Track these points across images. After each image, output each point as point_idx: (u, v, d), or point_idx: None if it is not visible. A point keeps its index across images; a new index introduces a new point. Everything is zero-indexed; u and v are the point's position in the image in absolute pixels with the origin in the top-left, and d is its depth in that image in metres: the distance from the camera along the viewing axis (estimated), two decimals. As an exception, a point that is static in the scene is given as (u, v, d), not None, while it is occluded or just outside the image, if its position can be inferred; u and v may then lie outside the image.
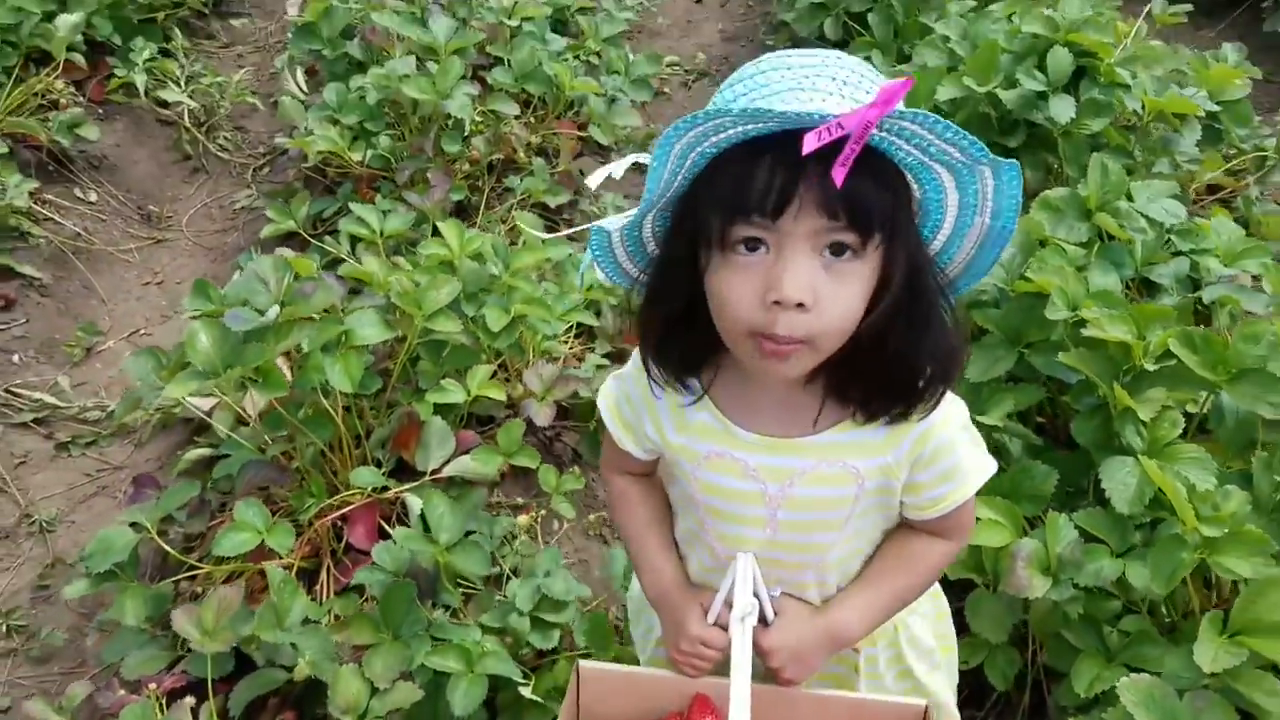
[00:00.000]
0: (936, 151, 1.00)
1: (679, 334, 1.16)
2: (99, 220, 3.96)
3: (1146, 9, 3.47)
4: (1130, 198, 2.36)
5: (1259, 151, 3.17)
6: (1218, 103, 2.94)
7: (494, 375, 2.49)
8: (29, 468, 3.11)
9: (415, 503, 2.34)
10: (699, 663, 1.30)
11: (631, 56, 3.91)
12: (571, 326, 2.71)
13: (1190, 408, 1.99)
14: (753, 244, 1.02)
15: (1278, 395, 1.88)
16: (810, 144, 0.90)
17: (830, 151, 0.91)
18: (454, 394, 2.38)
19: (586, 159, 3.57)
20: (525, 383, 2.48)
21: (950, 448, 1.21)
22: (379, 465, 2.45)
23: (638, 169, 1.15)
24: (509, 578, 2.27)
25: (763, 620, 1.26)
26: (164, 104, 4.35)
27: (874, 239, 1.02)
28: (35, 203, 3.74)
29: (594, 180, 1.21)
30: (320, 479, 2.40)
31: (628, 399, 1.30)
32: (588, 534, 2.53)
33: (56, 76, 4.08)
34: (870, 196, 0.98)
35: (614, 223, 1.12)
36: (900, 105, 0.91)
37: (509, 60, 3.47)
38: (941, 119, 0.95)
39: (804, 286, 1.00)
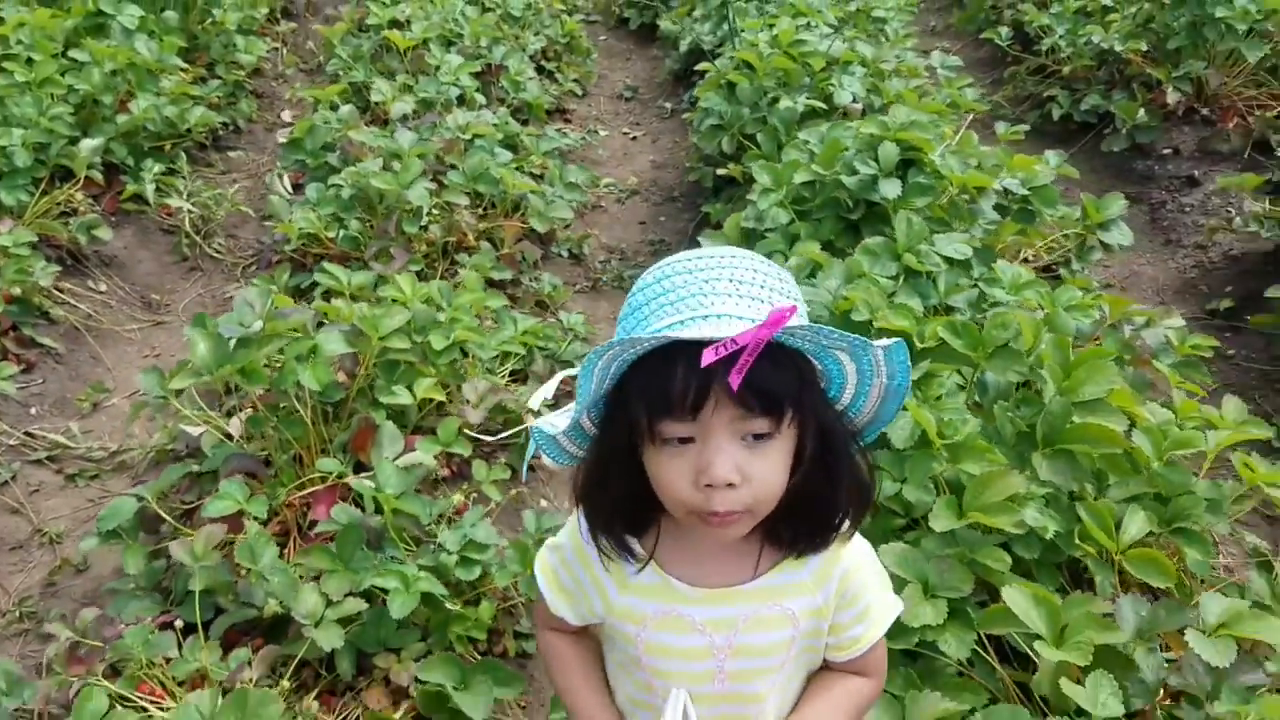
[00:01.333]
0: (828, 343, 1.13)
1: (624, 507, 1.22)
2: (107, 306, 4.54)
3: (994, 128, 4.23)
4: (931, 243, 2.99)
5: (1076, 232, 3.86)
6: (1029, 188, 3.63)
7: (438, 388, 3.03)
8: (41, 495, 3.60)
9: (368, 485, 2.85)
10: None
11: (567, 167, 4.62)
12: (508, 367, 3.28)
13: (958, 379, 2.57)
14: (681, 439, 1.11)
15: (1021, 365, 2.48)
16: (708, 358, 1.01)
17: (735, 354, 1.02)
18: (403, 397, 2.92)
19: (526, 244, 4.23)
20: (463, 393, 3.03)
21: (865, 588, 1.30)
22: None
23: (569, 381, 1.26)
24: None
25: None
26: (169, 212, 5.00)
27: (785, 419, 1.11)
28: (54, 289, 4.32)
29: (534, 400, 1.30)
30: (291, 471, 2.92)
31: (565, 565, 1.34)
32: (511, 509, 3.04)
33: (77, 189, 4.73)
34: (776, 387, 1.08)
35: (554, 424, 1.19)
36: (798, 318, 1.09)
37: (462, 166, 4.15)
38: (825, 328, 1.10)
39: (731, 469, 1.09)
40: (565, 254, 4.77)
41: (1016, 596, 1.96)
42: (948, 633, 2.05)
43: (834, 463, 1.17)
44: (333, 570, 2.49)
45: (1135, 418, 2.38)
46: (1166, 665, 1.97)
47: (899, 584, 2.06)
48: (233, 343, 2.77)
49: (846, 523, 1.22)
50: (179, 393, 2.94)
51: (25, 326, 4.09)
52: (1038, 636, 1.95)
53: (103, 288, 4.63)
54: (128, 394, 4.14)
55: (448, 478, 3.16)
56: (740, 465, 1.10)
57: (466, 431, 2.91)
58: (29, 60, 4.88)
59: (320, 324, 3.11)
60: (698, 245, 5.02)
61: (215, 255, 4.99)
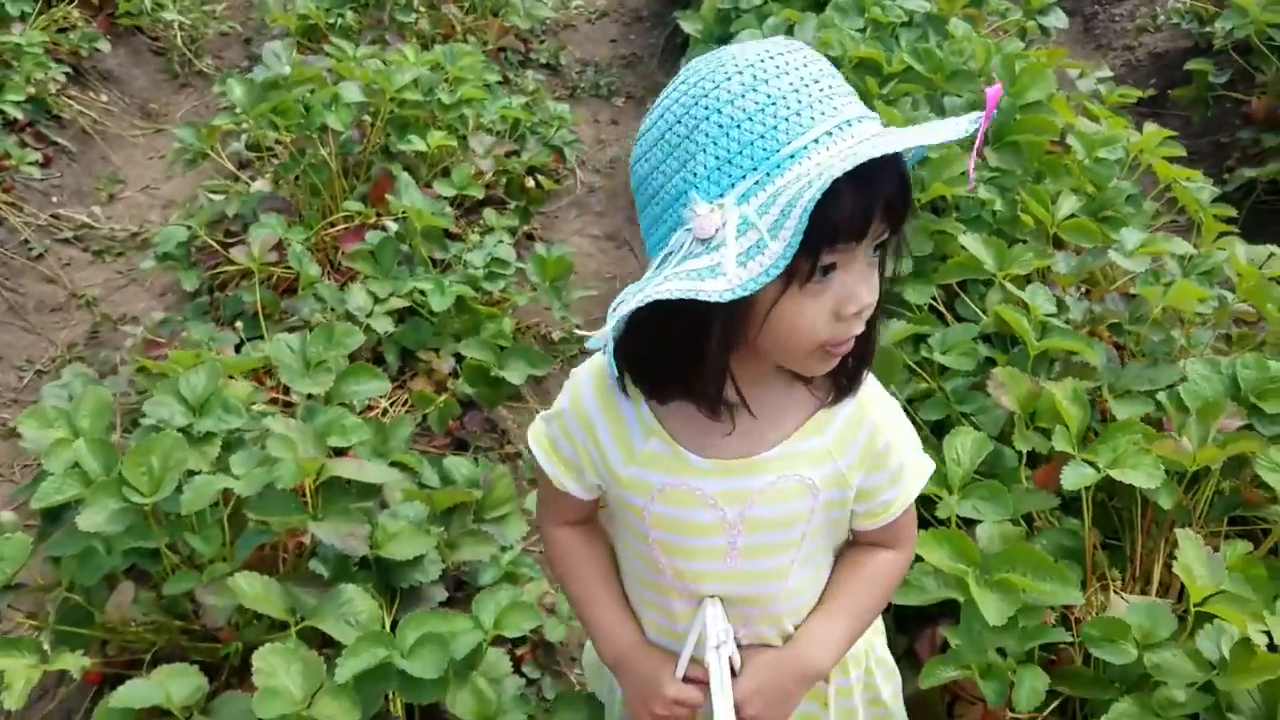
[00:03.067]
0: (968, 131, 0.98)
1: (675, 371, 1.06)
2: (110, 114, 4.67)
3: None
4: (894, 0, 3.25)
5: (1018, 21, 4.14)
6: None
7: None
8: (72, 268, 3.80)
9: (391, 225, 3.10)
10: None
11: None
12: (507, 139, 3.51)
13: (924, 103, 2.86)
14: (827, 267, 0.98)
15: (973, 85, 2.77)
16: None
17: (889, 159, 0.93)
18: (418, 145, 3.15)
19: (511, 38, 4.43)
20: (471, 146, 3.27)
21: (897, 447, 1.17)
22: (362, 211, 3.22)
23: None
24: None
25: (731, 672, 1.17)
26: (157, 35, 5.09)
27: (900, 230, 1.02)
28: (62, 95, 4.44)
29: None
30: (317, 216, 3.15)
31: (565, 435, 1.20)
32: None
33: (74, 6, 4.79)
34: (909, 196, 0.99)
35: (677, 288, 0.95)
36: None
37: (447, -32, 4.32)
38: (975, 121, 0.97)
39: (873, 290, 1.01)
40: (542, 61, 4.96)
41: (971, 240, 2.29)
42: (908, 285, 2.38)
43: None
44: (374, 275, 2.76)
45: (1070, 122, 2.70)
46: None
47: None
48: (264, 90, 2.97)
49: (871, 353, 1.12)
50: (203, 156, 3.15)
51: (41, 124, 4.22)
52: (989, 280, 2.29)
53: (104, 98, 4.74)
54: (140, 187, 4.31)
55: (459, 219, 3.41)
56: (872, 286, 1.01)
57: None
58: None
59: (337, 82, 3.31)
60: (669, 57, 5.28)
61: (205, 71, 5.10)
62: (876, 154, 0.88)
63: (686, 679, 1.19)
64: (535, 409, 2.95)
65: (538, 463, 1.23)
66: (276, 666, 1.58)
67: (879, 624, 1.35)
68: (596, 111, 4.89)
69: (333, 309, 2.72)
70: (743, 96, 0.95)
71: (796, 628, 1.21)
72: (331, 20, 3.96)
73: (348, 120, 3.02)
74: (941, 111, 2.89)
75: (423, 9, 4.17)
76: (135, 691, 1.61)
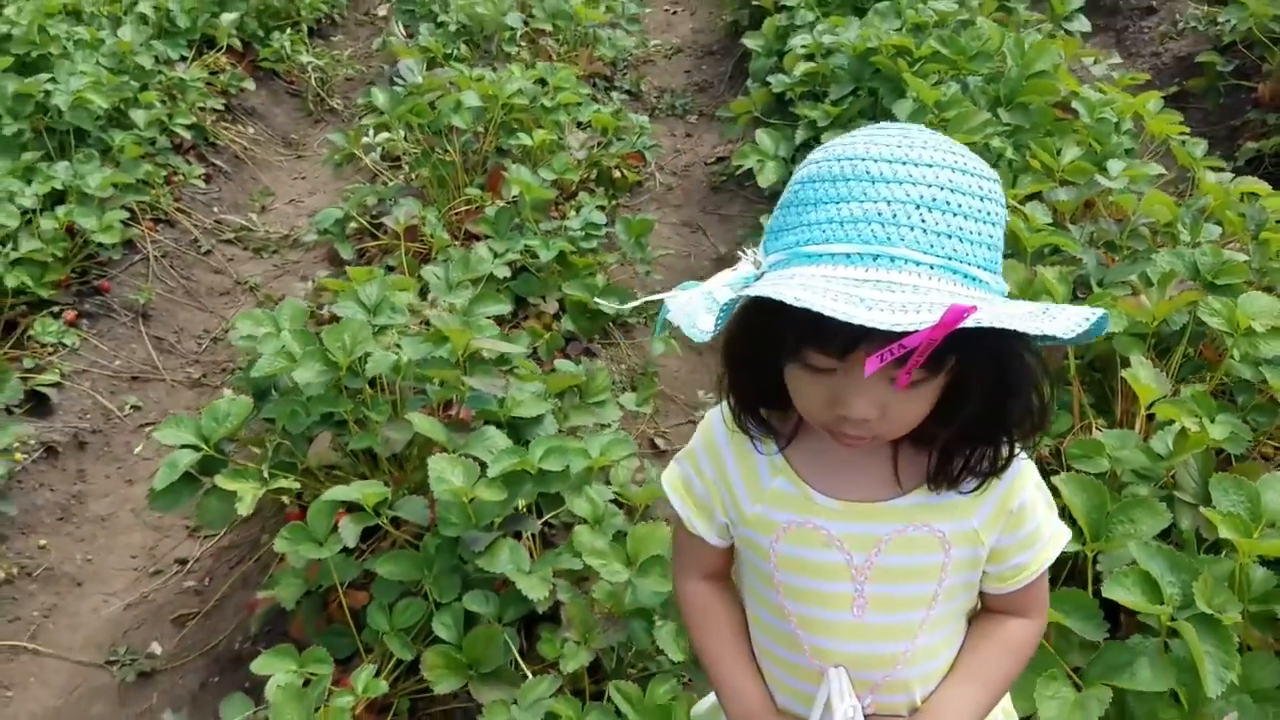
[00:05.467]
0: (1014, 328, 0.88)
1: (766, 388, 1.07)
2: (257, 143, 5.38)
3: None
4: (926, 4, 3.75)
5: (1044, 20, 4.59)
6: None
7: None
8: (235, 263, 4.45)
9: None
10: None
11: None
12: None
13: (955, 83, 3.34)
14: (823, 369, 0.96)
15: (991, 63, 3.24)
16: (872, 366, 0.86)
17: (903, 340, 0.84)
18: (524, 140, 3.73)
19: (599, 64, 5.03)
20: (568, 145, 3.83)
21: (1032, 509, 1.12)
22: (479, 196, 3.80)
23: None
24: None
25: None
26: (293, 79, 5.83)
27: (944, 369, 0.95)
28: (216, 125, 5.16)
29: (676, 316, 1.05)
30: (445, 200, 3.74)
31: (698, 473, 1.19)
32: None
33: (221, 54, 5.55)
34: (940, 350, 0.86)
35: (688, 310, 1.04)
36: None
37: (544, 4, 4.95)
38: (1014, 318, 0.86)
39: (870, 408, 0.96)
40: (625, 89, 5.56)
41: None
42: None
43: (1003, 393, 0.99)
44: (493, 236, 3.32)
45: (1074, 90, 3.15)
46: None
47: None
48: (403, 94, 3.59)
49: (1011, 450, 1.05)
50: (350, 158, 3.77)
51: (201, 148, 4.93)
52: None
53: (251, 130, 5.46)
54: (287, 200, 4.98)
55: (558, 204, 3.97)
56: (882, 403, 0.96)
57: (602, 303, 3.30)
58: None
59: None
60: (737, 81, 5.85)
61: (335, 109, 5.81)
62: (825, 308, 0.84)
63: None
64: (626, 345, 3.47)
65: (671, 503, 1.22)
66: (445, 468, 2.10)
67: (1007, 700, 1.27)
68: (673, 128, 5.46)
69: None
70: (816, 183, 0.95)
71: (924, 700, 1.14)
72: (448, 51, 4.60)
73: (469, 120, 3.60)
74: (965, 89, 3.36)
75: (524, 43, 4.79)
76: (337, 492, 2.14)
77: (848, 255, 0.90)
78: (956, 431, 1.02)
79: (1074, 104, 3.14)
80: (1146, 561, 1.60)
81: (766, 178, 3.72)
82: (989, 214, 0.93)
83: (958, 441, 1.04)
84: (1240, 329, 2.13)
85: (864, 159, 0.93)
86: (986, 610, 1.20)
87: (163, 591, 2.87)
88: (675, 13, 7.08)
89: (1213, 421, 2.01)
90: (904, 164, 0.91)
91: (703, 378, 3.52)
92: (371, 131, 3.95)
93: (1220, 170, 3.13)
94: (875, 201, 0.90)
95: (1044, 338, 0.93)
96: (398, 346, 2.40)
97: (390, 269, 3.31)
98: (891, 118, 3.24)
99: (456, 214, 3.67)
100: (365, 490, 2.14)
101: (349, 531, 2.10)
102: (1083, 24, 4.51)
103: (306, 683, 1.93)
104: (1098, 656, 1.61)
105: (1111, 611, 1.97)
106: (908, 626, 1.12)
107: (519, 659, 2.03)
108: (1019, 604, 1.18)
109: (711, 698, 1.36)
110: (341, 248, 3.50)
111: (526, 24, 4.84)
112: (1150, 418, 2.10)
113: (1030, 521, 1.12)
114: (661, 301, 1.07)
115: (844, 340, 0.90)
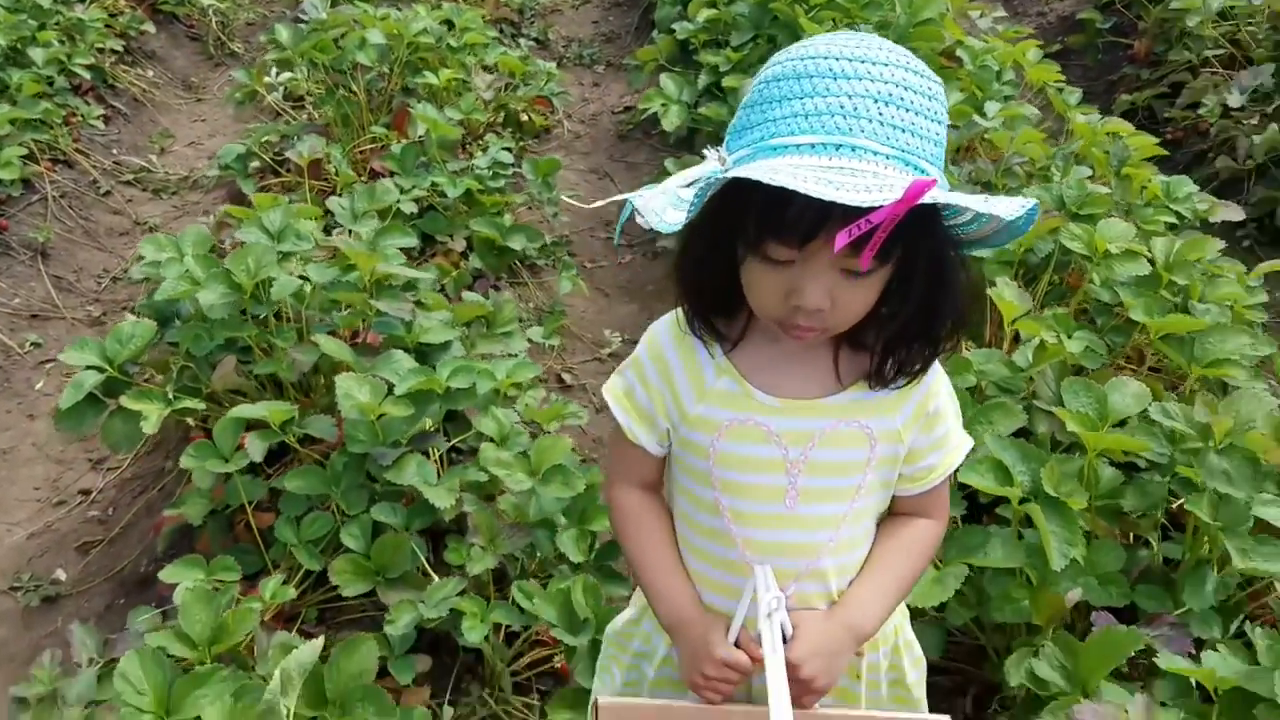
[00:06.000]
0: (960, 206, 0.99)
1: (719, 287, 1.12)
2: (156, 86, 5.25)
3: None
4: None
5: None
6: None
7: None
8: (134, 204, 4.37)
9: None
10: (724, 687, 1.20)
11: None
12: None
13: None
14: (782, 260, 1.02)
15: (883, 11, 3.37)
16: (842, 241, 0.91)
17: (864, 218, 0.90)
18: (430, 79, 3.74)
19: (502, 12, 5.04)
20: (474, 85, 3.86)
21: (945, 414, 1.21)
22: (385, 135, 3.80)
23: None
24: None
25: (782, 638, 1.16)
26: (193, 22, 5.69)
27: (890, 260, 1.02)
28: (115, 67, 5.02)
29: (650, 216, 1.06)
30: (349, 139, 3.73)
31: (641, 381, 1.23)
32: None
33: (120, -4, 5.39)
34: (890, 239, 0.93)
35: (653, 206, 1.06)
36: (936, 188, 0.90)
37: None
38: (965, 201, 0.96)
39: (823, 297, 1.02)
40: (533, 39, 5.57)
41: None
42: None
43: (939, 291, 1.07)
44: (399, 173, 3.34)
45: (959, 39, 3.30)
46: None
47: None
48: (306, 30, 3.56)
49: (940, 346, 1.13)
50: (252, 96, 3.73)
51: (100, 89, 4.80)
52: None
53: (150, 73, 5.33)
54: (187, 143, 4.89)
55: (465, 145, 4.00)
56: (833, 293, 1.02)
57: (566, 200, 3.38)
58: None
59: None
60: (643, 33, 5.90)
61: (236, 53, 5.69)
62: (799, 187, 0.89)
63: (738, 644, 1.19)
64: (533, 284, 3.54)
65: (613, 413, 1.25)
66: (352, 385, 2.15)
67: (904, 607, 1.35)
68: (580, 77, 5.50)
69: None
70: (781, 80, 1.00)
71: (839, 593, 1.22)
72: (353, -4, 4.57)
73: (374, 58, 3.60)
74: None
75: (429, -15, 4.78)
76: (243, 410, 2.17)
77: (812, 145, 0.96)
78: (896, 328, 1.09)
79: (958, 52, 3.29)
80: (1000, 452, 1.75)
81: (671, 122, 3.80)
82: (936, 113, 0.99)
83: (896, 339, 1.11)
84: (1099, 253, 2.30)
85: (826, 58, 0.98)
86: (895, 513, 1.27)
87: (67, 521, 2.86)
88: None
89: (1070, 338, 2.17)
90: (863, 62, 0.97)
91: (610, 318, 3.61)
92: (275, 70, 3.92)
93: (1123, 135, 3.32)
94: (837, 96, 0.96)
95: (981, 240, 1.07)
96: (303, 276, 2.43)
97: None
98: (788, 62, 3.34)
99: (362, 152, 3.68)
100: (272, 408, 2.18)
101: (255, 447, 2.14)
102: (974, -19, 4.68)
103: (215, 590, 1.97)
104: (955, 538, 1.75)
105: (975, 512, 2.14)
106: (833, 518, 1.18)
107: (426, 567, 2.10)
108: (925, 506, 1.26)
109: (626, 613, 1.42)
110: (244, 184, 3.47)
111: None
112: (1016, 337, 2.26)
113: (942, 425, 1.21)
114: (623, 203, 1.08)
115: (805, 228, 0.96)
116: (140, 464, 2.99)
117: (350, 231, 2.69)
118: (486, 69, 3.99)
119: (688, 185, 1.04)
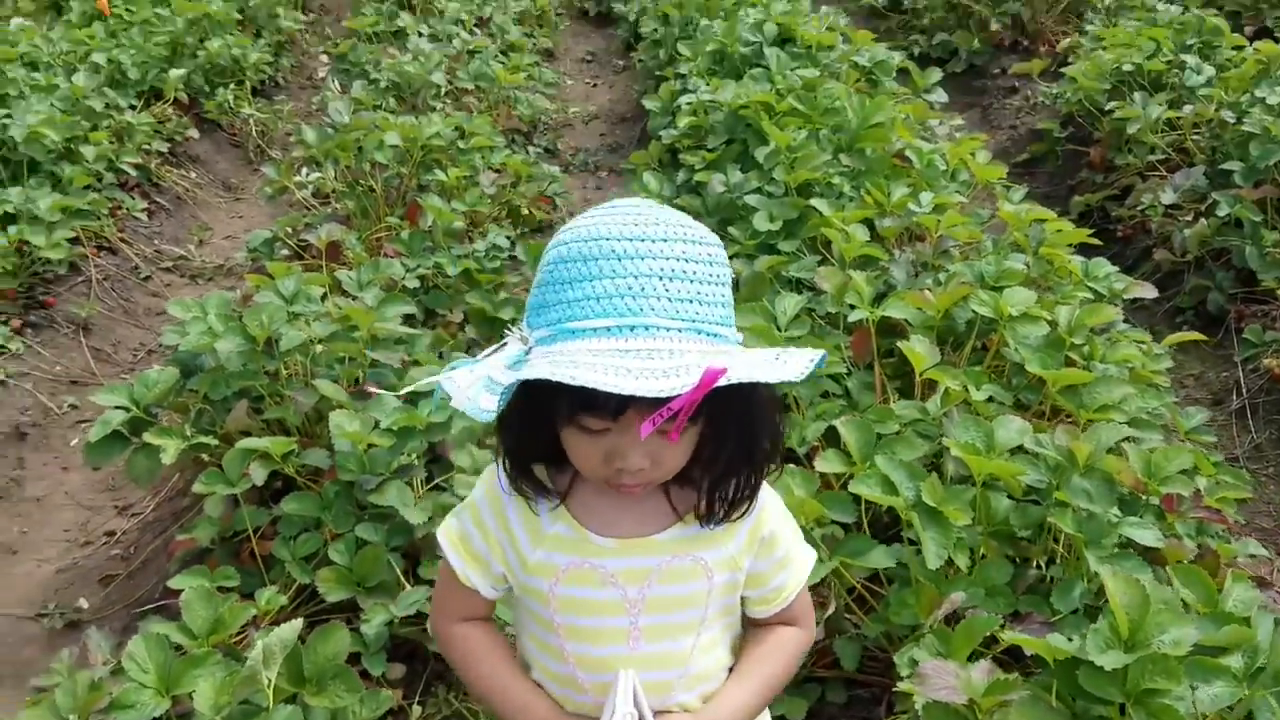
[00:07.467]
0: (760, 379, 1.02)
1: (542, 455, 1.17)
2: (199, 186, 5.73)
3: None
4: (794, 70, 4.27)
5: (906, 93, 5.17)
6: (874, 62, 4.92)
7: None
8: (172, 289, 4.78)
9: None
10: None
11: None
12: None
13: (807, 132, 3.84)
14: (597, 430, 1.06)
15: (838, 118, 3.75)
16: (647, 430, 0.97)
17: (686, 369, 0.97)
18: (440, 176, 4.15)
19: (516, 122, 5.51)
20: (480, 180, 4.26)
21: (782, 535, 1.25)
22: (398, 224, 4.19)
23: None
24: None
25: None
26: (235, 130, 6.21)
27: (700, 420, 1.08)
28: (161, 168, 5.51)
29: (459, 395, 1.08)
30: (367, 227, 4.13)
31: (478, 525, 1.25)
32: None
33: (168, 106, 5.93)
34: (698, 404, 0.97)
35: (463, 389, 1.07)
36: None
37: (468, 68, 5.43)
38: (759, 378, 1.01)
39: (643, 458, 1.07)
40: (543, 148, 6.04)
41: (822, 203, 3.21)
42: (780, 238, 3.30)
43: (754, 425, 1.13)
44: (406, 254, 3.70)
45: (908, 141, 3.67)
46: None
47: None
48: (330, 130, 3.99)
49: (759, 477, 1.19)
50: (283, 190, 4.15)
51: (145, 187, 5.28)
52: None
53: (193, 174, 5.82)
54: (224, 236, 5.33)
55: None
56: (652, 454, 1.08)
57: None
58: (129, 8, 6.10)
59: (381, 137, 4.34)
60: (645, 143, 6.36)
61: (274, 158, 6.19)
62: (599, 384, 0.93)
63: None
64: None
65: (446, 557, 1.26)
66: (344, 419, 2.46)
67: (766, 712, 1.36)
68: (585, 181, 5.94)
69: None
70: (568, 263, 1.04)
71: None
72: (378, 104, 5.04)
73: (390, 157, 4.01)
74: (815, 137, 3.86)
75: (448, 100, 5.25)
76: (250, 443, 2.48)
77: (608, 329, 1.01)
78: (720, 468, 1.14)
79: (907, 152, 3.65)
80: (889, 470, 2.01)
81: (655, 215, 4.17)
82: (718, 276, 1.06)
83: (721, 477, 1.16)
84: (1004, 316, 2.59)
85: (608, 239, 1.03)
86: (758, 625, 1.31)
87: (92, 558, 3.14)
88: (595, 85, 7.64)
89: (978, 389, 2.45)
90: (643, 240, 1.03)
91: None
92: (305, 170, 4.35)
93: (1045, 220, 3.64)
94: (624, 277, 1.02)
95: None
96: (311, 340, 2.76)
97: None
98: (756, 162, 3.72)
99: (376, 238, 4.06)
100: (274, 442, 2.48)
101: (258, 473, 2.43)
102: (940, 96, 5.09)
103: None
104: (843, 543, 2.01)
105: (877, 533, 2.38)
106: (681, 654, 1.22)
107: (402, 579, 2.36)
108: (789, 619, 1.31)
109: None
110: (274, 268, 3.84)
111: (451, 83, 5.31)
112: (932, 386, 2.54)
113: (781, 546, 1.26)
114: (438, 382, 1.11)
115: (615, 405, 1.01)
116: (162, 508, 3.28)
117: (355, 298, 3.03)
118: (493, 169, 4.39)
119: (506, 368, 1.06)
